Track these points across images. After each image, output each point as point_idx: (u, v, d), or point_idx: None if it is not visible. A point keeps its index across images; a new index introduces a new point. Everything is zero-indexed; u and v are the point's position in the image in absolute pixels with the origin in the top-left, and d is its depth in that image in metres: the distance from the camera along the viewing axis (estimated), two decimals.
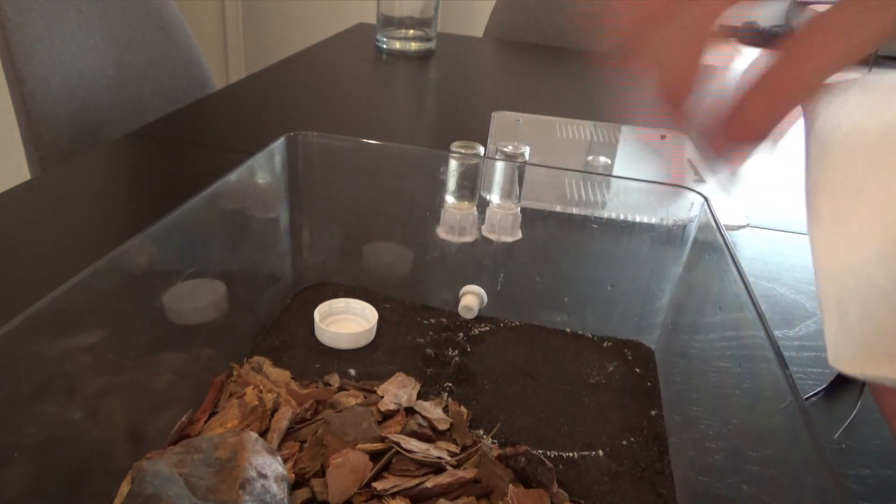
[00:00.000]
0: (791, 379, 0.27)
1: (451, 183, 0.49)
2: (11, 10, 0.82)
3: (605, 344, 0.49)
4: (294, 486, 0.33)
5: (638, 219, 0.47)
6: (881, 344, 0.19)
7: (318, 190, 0.50)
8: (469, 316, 0.50)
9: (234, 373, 0.41)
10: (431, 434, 0.37)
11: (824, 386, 0.45)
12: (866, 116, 0.20)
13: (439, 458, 0.35)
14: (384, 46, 1.23)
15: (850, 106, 0.21)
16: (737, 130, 0.27)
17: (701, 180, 0.70)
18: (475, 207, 0.49)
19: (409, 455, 0.34)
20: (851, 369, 0.19)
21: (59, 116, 0.88)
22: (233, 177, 0.41)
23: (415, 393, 0.41)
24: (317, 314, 0.47)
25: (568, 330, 0.51)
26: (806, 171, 0.22)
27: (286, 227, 0.50)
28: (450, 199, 0.49)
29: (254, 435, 0.32)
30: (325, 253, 0.52)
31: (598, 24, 0.28)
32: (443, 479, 0.33)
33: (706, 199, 0.45)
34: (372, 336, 0.47)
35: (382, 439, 0.35)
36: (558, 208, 0.51)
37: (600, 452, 0.39)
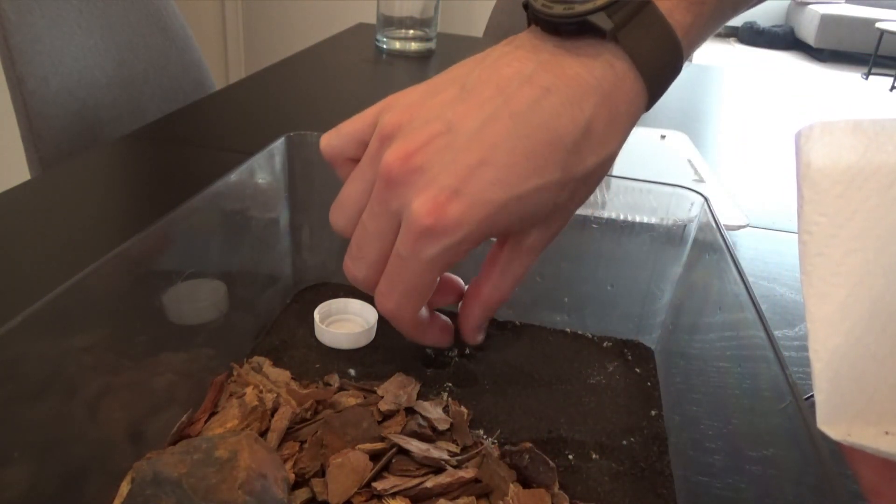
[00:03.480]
0: (791, 379, 0.27)
1: None
2: (11, 10, 0.82)
3: (605, 344, 0.49)
4: (294, 486, 0.33)
5: (638, 219, 0.47)
6: (868, 410, 0.19)
7: (318, 190, 0.50)
8: None
9: (234, 373, 0.41)
10: (431, 434, 0.37)
11: None
12: (858, 168, 0.20)
13: (439, 458, 0.35)
14: (384, 46, 1.23)
15: (844, 154, 0.20)
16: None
17: (701, 180, 0.70)
18: None
19: (409, 455, 0.34)
20: (838, 434, 0.19)
21: (59, 116, 0.88)
22: (233, 177, 0.41)
23: (415, 393, 0.41)
24: (317, 314, 0.47)
25: (568, 330, 0.51)
26: (799, 219, 0.21)
27: (286, 227, 0.50)
28: None
29: (254, 435, 0.32)
30: (325, 253, 0.52)
31: None
32: (443, 479, 0.33)
33: (706, 199, 0.45)
34: (372, 336, 0.47)
35: (382, 439, 0.35)
36: None
37: (600, 453, 0.39)
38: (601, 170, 0.32)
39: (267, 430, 0.36)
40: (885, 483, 0.20)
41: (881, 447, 0.19)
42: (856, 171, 0.20)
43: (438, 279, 0.33)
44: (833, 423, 0.19)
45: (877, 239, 0.19)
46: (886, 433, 0.19)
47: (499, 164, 0.29)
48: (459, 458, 0.35)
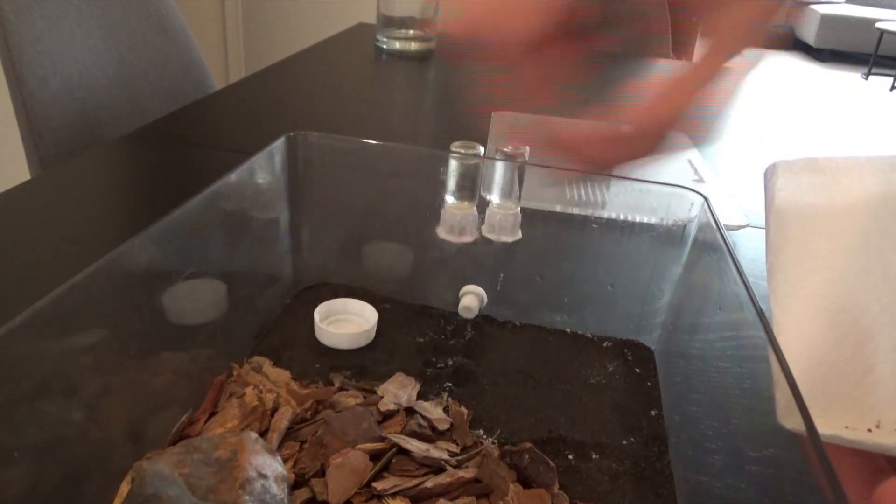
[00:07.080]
0: (791, 378, 0.27)
1: (451, 183, 0.49)
2: (11, 10, 0.82)
3: (605, 344, 0.49)
4: (294, 486, 0.33)
5: (638, 219, 0.47)
6: (827, 408, 0.22)
7: (318, 190, 0.50)
8: (469, 316, 0.50)
9: (234, 373, 0.41)
10: (431, 434, 0.37)
11: None
12: (817, 198, 0.23)
13: (439, 458, 0.35)
14: (384, 46, 1.23)
15: (803, 187, 0.24)
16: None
17: (701, 180, 0.70)
18: (475, 207, 0.49)
19: (409, 455, 0.34)
20: (795, 426, 0.22)
21: (59, 116, 0.88)
22: (233, 177, 0.41)
23: (415, 393, 0.41)
24: (317, 314, 0.47)
25: (568, 330, 0.51)
26: (767, 243, 0.24)
27: (286, 227, 0.50)
28: (450, 199, 0.49)
29: (254, 435, 0.32)
30: (325, 253, 0.52)
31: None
32: (443, 479, 0.33)
33: (706, 199, 0.44)
34: (372, 336, 0.47)
35: (382, 439, 0.35)
36: (558, 208, 0.51)
37: (600, 453, 0.39)
38: None
39: (267, 430, 0.36)
40: (868, 488, 0.22)
41: (840, 434, 0.22)
42: (814, 201, 0.23)
43: None
44: (791, 417, 0.22)
45: (834, 260, 0.22)
46: (846, 427, 0.22)
47: None
48: (459, 458, 0.35)
